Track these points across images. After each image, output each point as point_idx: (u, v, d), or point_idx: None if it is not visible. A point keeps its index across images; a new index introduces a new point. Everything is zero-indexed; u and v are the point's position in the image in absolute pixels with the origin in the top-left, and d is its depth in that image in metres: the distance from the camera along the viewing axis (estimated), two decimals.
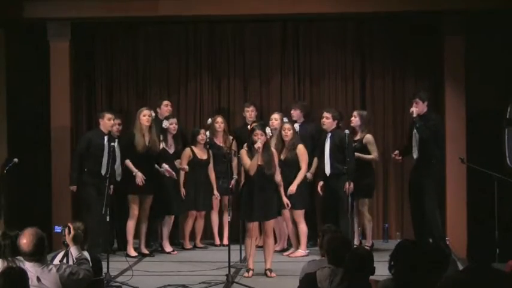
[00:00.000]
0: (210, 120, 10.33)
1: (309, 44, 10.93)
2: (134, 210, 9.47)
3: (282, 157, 9.29)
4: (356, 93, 10.88)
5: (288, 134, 9.38)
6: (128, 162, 9.40)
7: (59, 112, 10.30)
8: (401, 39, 10.74)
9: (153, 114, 9.57)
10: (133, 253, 9.51)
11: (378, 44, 10.83)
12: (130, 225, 9.50)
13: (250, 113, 10.29)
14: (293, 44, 10.94)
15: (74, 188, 9.48)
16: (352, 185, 9.10)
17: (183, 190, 9.90)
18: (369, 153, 9.71)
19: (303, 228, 9.41)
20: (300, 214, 9.39)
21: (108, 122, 9.46)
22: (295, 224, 9.47)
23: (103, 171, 9.16)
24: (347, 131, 9.31)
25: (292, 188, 9.23)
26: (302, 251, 9.45)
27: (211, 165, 10.10)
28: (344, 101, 10.83)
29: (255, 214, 8.26)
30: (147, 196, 9.53)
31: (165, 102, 10.21)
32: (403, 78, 10.82)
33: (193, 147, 10.00)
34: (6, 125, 10.36)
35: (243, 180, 8.68)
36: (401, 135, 10.58)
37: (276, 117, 9.76)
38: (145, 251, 9.67)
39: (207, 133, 10.06)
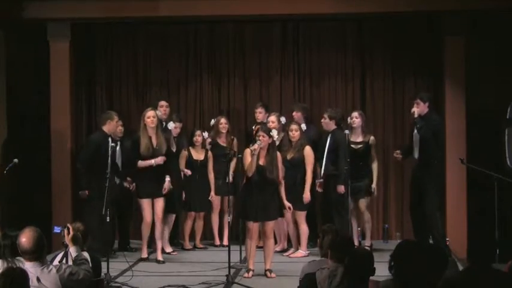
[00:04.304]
0: (213, 121, 10.30)
1: (309, 45, 10.92)
2: (148, 214, 9.25)
3: (289, 157, 9.29)
4: (356, 93, 10.87)
5: (295, 134, 9.36)
6: (140, 162, 9.20)
7: (59, 112, 10.29)
8: (401, 39, 10.73)
9: (159, 113, 9.45)
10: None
11: (377, 44, 10.82)
12: (145, 229, 9.30)
13: (258, 114, 10.21)
14: (293, 44, 10.93)
15: (85, 193, 9.29)
16: (343, 186, 9.06)
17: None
18: (372, 155, 9.72)
19: (304, 229, 9.41)
20: (301, 215, 9.38)
21: (117, 124, 9.45)
22: (296, 224, 9.47)
23: (107, 173, 9.09)
24: (347, 131, 9.30)
25: (306, 195, 9.28)
26: (302, 251, 9.45)
27: (210, 167, 10.09)
28: (344, 102, 10.82)
29: (253, 214, 8.25)
30: (158, 199, 9.29)
31: (161, 103, 10.05)
32: (403, 78, 10.81)
33: (190, 148, 10.02)
34: (6, 125, 10.34)
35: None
36: (402, 135, 10.59)
37: (272, 119, 9.60)
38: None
39: (205, 134, 10.06)
